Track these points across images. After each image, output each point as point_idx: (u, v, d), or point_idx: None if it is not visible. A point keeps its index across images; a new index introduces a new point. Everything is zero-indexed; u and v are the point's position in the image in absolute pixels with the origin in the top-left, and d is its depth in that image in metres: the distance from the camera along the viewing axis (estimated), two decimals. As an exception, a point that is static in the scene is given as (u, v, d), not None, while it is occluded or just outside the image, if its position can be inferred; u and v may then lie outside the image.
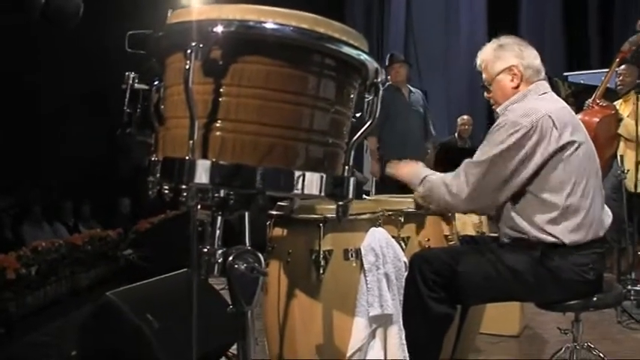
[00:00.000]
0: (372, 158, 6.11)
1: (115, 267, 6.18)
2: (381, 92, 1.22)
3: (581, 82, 6.71)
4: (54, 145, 7.88)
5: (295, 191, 1.19)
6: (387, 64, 6.15)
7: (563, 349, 3.05)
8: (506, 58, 2.63)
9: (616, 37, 5.53)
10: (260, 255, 1.37)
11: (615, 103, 5.37)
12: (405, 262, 2.89)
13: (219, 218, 1.28)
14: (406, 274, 2.81)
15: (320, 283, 2.73)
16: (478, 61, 2.74)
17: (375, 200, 3.31)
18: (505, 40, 2.67)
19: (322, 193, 1.19)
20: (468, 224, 3.79)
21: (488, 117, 7.65)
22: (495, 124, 2.56)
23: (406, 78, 6.18)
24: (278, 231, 2.90)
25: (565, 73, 7.14)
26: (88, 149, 7.82)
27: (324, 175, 1.17)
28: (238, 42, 1.16)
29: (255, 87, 1.13)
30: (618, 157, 5.14)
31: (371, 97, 1.21)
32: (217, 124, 1.16)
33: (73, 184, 8.26)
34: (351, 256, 2.80)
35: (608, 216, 2.70)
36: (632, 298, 4.67)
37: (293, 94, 1.12)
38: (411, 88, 6.21)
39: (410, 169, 2.89)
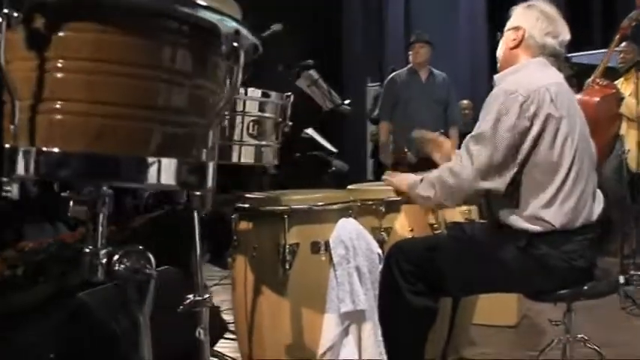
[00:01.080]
0: (383, 144, 5.91)
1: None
2: (241, 59, 1.04)
3: (584, 62, 6.51)
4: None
5: (140, 182, 1.02)
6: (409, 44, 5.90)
7: (555, 341, 2.86)
8: (520, 18, 2.53)
9: (620, 16, 5.32)
10: (150, 255, 1.22)
11: (616, 82, 5.17)
12: (379, 254, 2.76)
13: (101, 215, 1.13)
14: (380, 266, 2.68)
15: (287, 279, 2.63)
16: None
17: (353, 189, 3.16)
18: (536, 3, 2.55)
19: (174, 182, 1.01)
20: (455, 212, 3.61)
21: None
22: (490, 94, 2.41)
23: (427, 59, 5.87)
24: (244, 225, 2.79)
25: (567, 55, 6.91)
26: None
27: (176, 161, 0.99)
28: (63, 7, 0.98)
29: (82, 59, 0.95)
30: (621, 138, 4.95)
31: (229, 65, 1.03)
32: (43, 106, 0.97)
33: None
34: (320, 249, 2.68)
35: (600, 201, 2.54)
36: (634, 282, 4.48)
37: (133, 65, 0.94)
38: (434, 71, 5.89)
39: (406, 180, 2.71)
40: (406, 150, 5.42)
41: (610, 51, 4.91)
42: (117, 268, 1.12)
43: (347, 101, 5.13)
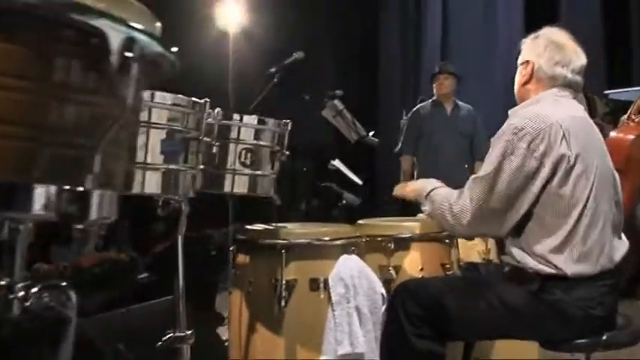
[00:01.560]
0: (404, 178, 5.75)
1: (125, 291, 6.00)
2: (133, 70, 0.90)
3: (622, 99, 6.29)
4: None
5: (15, 211, 0.88)
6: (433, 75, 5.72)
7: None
8: (528, 51, 2.41)
9: None
10: (70, 292, 1.10)
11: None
12: (382, 294, 2.61)
13: (19, 244, 1.01)
14: (383, 307, 2.55)
15: (282, 316, 2.51)
16: None
17: (362, 224, 3.02)
18: (544, 32, 2.42)
19: (53, 213, 0.88)
20: (473, 250, 3.45)
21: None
22: (499, 131, 2.26)
23: (452, 91, 5.72)
24: (241, 258, 2.68)
25: (605, 92, 6.70)
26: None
27: (55, 188, 0.86)
28: None
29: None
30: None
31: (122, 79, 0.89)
32: None
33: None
34: (319, 286, 2.55)
35: (623, 244, 2.36)
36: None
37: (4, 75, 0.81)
38: (460, 104, 5.73)
39: (416, 186, 2.58)
40: None
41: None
42: (29, 304, 1.00)
43: (371, 133, 5.00)
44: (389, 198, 3.10)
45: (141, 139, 1.77)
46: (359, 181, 5.10)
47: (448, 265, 2.98)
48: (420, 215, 2.75)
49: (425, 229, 2.91)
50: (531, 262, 2.20)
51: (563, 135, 2.15)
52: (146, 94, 1.79)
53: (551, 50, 2.35)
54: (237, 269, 2.69)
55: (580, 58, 2.36)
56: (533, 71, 2.36)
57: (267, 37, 6.40)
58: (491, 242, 3.61)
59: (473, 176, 2.28)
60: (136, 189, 1.80)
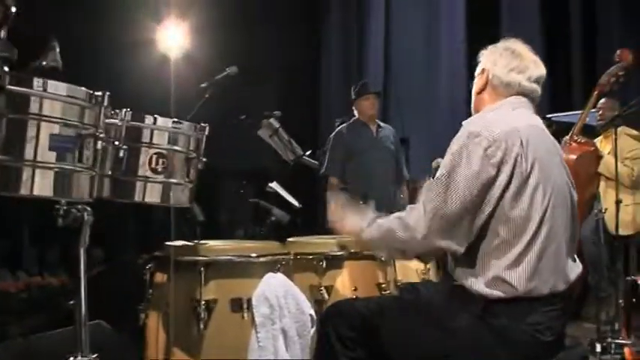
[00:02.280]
0: (332, 201, 5.52)
1: (56, 316, 5.71)
2: None
3: (564, 120, 6.32)
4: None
5: None
6: (353, 96, 5.49)
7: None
8: (484, 60, 2.30)
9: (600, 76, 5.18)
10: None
11: (595, 140, 4.93)
12: (311, 316, 2.49)
13: None
14: (313, 330, 2.44)
15: (201, 339, 2.38)
16: None
17: (292, 242, 2.86)
18: (502, 42, 2.31)
19: None
20: (411, 270, 3.31)
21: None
22: (455, 137, 2.11)
23: (376, 112, 5.59)
24: (159, 276, 2.50)
25: (548, 115, 6.74)
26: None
27: None
28: None
29: None
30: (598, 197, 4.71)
31: None
32: None
33: (40, 229, 7.89)
34: (241, 307, 2.42)
35: (577, 265, 2.23)
36: (612, 352, 4.13)
37: None
38: (380, 124, 5.59)
39: (352, 223, 2.38)
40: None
41: (588, 107, 4.67)
42: None
43: (308, 152, 4.86)
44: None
45: (30, 134, 1.57)
46: (297, 204, 4.95)
47: (384, 285, 2.86)
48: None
49: (359, 247, 2.75)
50: (477, 285, 2.05)
51: (521, 142, 2.02)
52: (38, 83, 1.60)
53: (506, 57, 2.25)
54: (153, 289, 2.53)
55: (538, 68, 2.25)
56: (488, 79, 2.25)
57: (208, 60, 6.28)
58: (431, 262, 3.49)
59: (426, 183, 2.13)
60: (23, 190, 1.59)
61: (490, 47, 2.32)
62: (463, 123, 2.24)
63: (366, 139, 5.40)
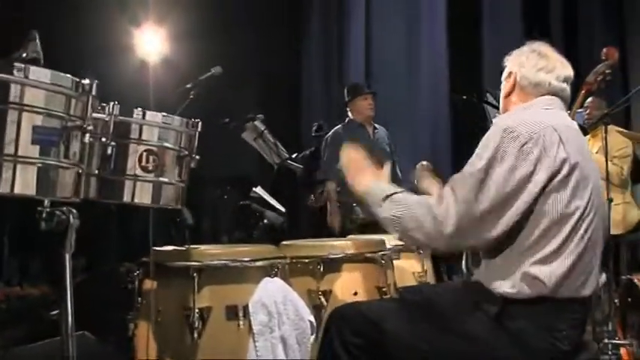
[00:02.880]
0: (331, 206, 5.45)
1: (36, 328, 5.55)
2: None
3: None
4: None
5: None
6: (348, 97, 5.35)
7: None
8: (510, 64, 2.27)
9: (581, 79, 5.18)
10: None
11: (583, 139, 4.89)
12: (310, 322, 2.40)
13: None
14: (313, 337, 2.35)
15: (195, 350, 2.26)
16: None
17: (287, 245, 2.75)
18: (527, 45, 2.28)
19: None
20: (407, 273, 3.21)
21: (452, 162, 7.19)
22: (487, 133, 2.04)
23: (373, 113, 5.46)
24: (148, 284, 2.39)
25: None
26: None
27: None
28: None
29: None
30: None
31: None
32: None
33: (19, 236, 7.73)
34: (237, 315, 2.31)
35: (601, 277, 2.15)
36: (609, 352, 4.07)
37: None
38: (375, 125, 5.50)
39: (371, 176, 2.21)
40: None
41: (575, 107, 4.62)
42: None
43: (295, 155, 4.77)
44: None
45: (10, 125, 1.43)
46: (281, 208, 4.86)
47: (385, 289, 2.77)
48: (351, 237, 2.46)
49: (358, 249, 2.69)
50: (502, 284, 1.97)
51: (560, 139, 1.96)
52: (19, 69, 1.46)
53: (533, 58, 2.22)
54: (143, 297, 2.42)
55: (566, 68, 2.22)
56: (516, 81, 2.22)
57: (187, 65, 6.19)
58: (428, 264, 3.39)
59: (454, 176, 2.04)
60: (3, 189, 1.45)
61: (515, 51, 2.31)
62: (494, 120, 2.22)
63: (363, 141, 5.26)
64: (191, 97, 3.21)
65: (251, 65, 7.55)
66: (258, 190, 5.04)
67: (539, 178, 1.91)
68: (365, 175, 2.22)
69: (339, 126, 5.32)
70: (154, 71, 4.91)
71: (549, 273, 1.92)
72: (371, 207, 2.11)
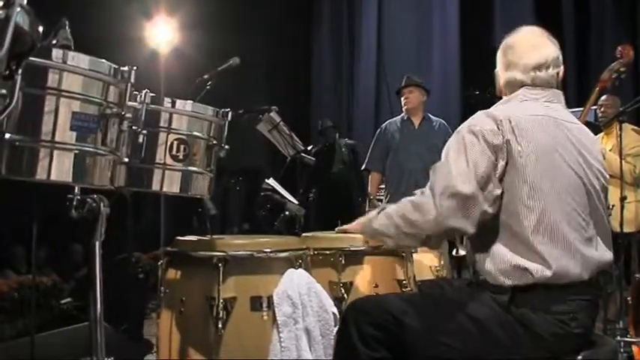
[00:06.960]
0: (371, 195, 5.51)
1: (47, 317, 5.56)
2: None
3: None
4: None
5: None
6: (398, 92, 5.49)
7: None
8: (498, 63, 2.30)
9: (592, 75, 5.16)
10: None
11: (597, 137, 4.88)
12: (334, 314, 2.39)
13: None
14: (337, 328, 2.29)
15: (219, 340, 2.23)
16: None
17: (309, 237, 2.76)
18: (504, 40, 2.29)
19: None
20: (425, 267, 3.21)
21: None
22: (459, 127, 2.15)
23: (419, 104, 5.35)
24: (172, 273, 2.38)
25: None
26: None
27: None
28: None
29: None
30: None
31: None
32: None
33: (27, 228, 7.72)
34: (262, 305, 2.29)
35: (604, 256, 2.15)
36: (621, 350, 4.06)
37: None
38: (432, 117, 5.45)
39: (358, 220, 2.36)
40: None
41: (589, 104, 4.61)
42: None
43: (309, 147, 4.75)
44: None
45: (47, 110, 1.41)
46: (294, 201, 4.83)
47: (405, 282, 2.76)
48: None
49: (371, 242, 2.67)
50: (499, 273, 2.01)
51: (512, 130, 2.02)
52: (57, 54, 1.44)
53: (502, 56, 2.26)
54: (166, 287, 2.40)
55: (537, 52, 2.20)
56: (499, 83, 2.29)
57: (198, 56, 6.18)
58: (445, 258, 3.38)
59: (433, 166, 2.11)
60: (39, 174, 1.43)
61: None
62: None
63: (405, 135, 5.35)
64: (208, 87, 3.19)
65: (262, 57, 7.54)
66: (271, 181, 5.02)
67: (500, 167, 2.01)
68: (355, 223, 2.35)
69: (391, 120, 5.49)
70: (165, 62, 4.91)
71: (549, 253, 1.98)
72: (374, 229, 2.19)
